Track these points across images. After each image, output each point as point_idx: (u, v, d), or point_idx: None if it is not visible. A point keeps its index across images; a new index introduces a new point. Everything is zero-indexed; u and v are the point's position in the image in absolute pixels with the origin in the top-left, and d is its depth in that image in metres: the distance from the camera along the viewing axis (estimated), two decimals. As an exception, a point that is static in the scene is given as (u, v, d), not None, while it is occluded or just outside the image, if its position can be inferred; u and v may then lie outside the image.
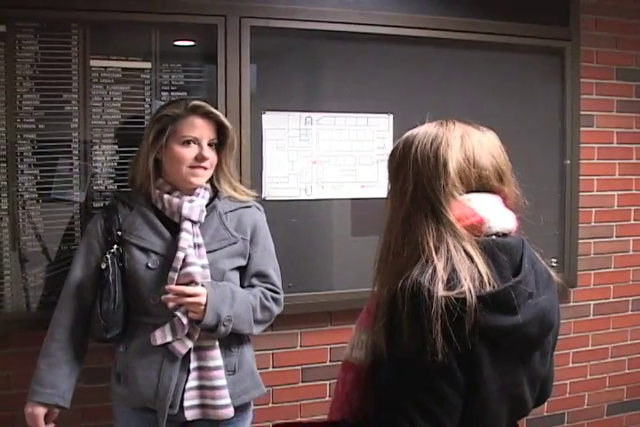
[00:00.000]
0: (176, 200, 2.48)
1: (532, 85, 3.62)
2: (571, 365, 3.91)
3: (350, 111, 3.27)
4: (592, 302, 3.94)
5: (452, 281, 1.47)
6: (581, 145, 3.76)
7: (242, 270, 2.59)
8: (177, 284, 2.36)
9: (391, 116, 3.33)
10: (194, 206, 2.48)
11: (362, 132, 3.29)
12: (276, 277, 2.65)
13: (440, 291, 1.44)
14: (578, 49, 3.71)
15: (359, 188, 3.30)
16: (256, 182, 3.08)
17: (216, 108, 2.59)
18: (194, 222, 2.47)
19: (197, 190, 2.54)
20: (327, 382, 3.35)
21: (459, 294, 1.45)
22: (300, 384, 3.35)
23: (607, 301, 3.98)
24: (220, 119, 2.53)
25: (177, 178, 2.49)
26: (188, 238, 2.42)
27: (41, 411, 2.43)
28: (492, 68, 3.53)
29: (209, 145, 2.51)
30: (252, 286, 2.59)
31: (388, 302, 1.51)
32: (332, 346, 3.35)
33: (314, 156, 3.22)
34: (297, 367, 3.33)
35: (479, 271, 1.50)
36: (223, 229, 2.53)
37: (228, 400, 2.43)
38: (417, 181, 1.59)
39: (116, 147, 2.92)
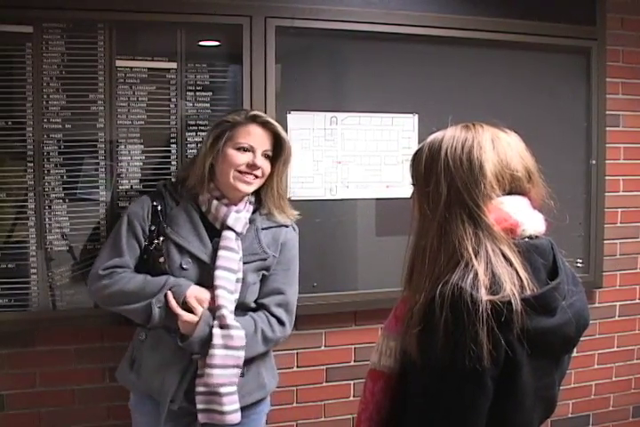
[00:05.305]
0: (224, 208, 2.51)
1: (557, 85, 3.59)
2: (596, 366, 3.88)
3: (375, 111, 3.26)
4: (618, 303, 3.91)
5: (494, 286, 1.45)
6: (607, 145, 3.73)
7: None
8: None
9: (416, 116, 3.31)
10: (240, 218, 2.51)
11: (387, 132, 3.28)
12: (291, 297, 2.62)
13: (484, 295, 1.43)
14: (604, 48, 3.68)
15: (384, 188, 3.29)
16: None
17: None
18: (237, 234, 2.50)
19: (244, 202, 2.57)
20: (351, 382, 3.35)
21: (503, 297, 1.44)
22: (325, 384, 3.34)
23: (633, 302, 3.94)
24: (277, 130, 2.56)
25: (226, 183, 2.51)
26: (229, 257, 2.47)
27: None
28: (517, 67, 3.50)
29: (264, 156, 2.53)
30: (263, 305, 2.57)
31: (425, 307, 1.49)
32: (356, 346, 3.34)
33: (339, 156, 3.22)
34: (321, 367, 3.33)
35: (518, 275, 1.49)
36: (257, 243, 2.55)
37: (236, 406, 2.41)
38: (450, 184, 1.57)
39: (142, 147, 2.93)
